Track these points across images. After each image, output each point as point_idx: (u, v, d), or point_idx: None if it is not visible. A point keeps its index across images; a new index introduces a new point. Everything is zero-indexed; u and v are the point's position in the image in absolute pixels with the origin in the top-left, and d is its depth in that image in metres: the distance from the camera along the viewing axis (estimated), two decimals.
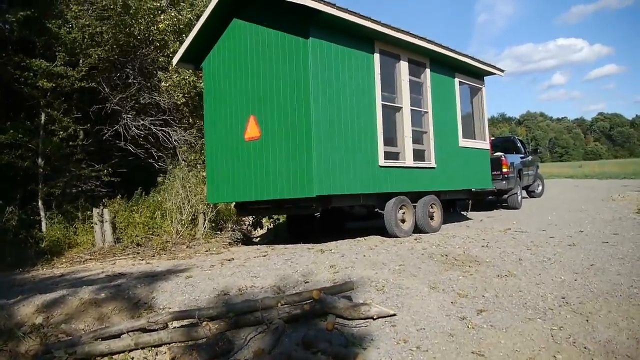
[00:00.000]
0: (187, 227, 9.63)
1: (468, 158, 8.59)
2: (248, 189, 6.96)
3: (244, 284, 4.49)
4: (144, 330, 3.40)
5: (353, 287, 3.82)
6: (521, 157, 12.24)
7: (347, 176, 6.43)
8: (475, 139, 8.98)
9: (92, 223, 8.84)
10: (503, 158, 10.60)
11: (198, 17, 9.32)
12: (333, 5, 5.99)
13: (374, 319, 3.50)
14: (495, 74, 9.03)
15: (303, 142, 6.16)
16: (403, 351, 3.05)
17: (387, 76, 7.24)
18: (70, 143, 10.33)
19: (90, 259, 7.64)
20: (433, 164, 7.74)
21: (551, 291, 3.97)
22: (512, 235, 6.55)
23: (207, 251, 7.76)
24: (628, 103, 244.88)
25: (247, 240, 9.07)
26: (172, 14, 11.25)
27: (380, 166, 6.84)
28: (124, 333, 3.36)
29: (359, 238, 7.14)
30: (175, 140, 11.91)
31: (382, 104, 6.98)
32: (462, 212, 10.43)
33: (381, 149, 6.88)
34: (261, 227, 10.41)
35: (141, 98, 11.89)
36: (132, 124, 11.57)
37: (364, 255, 5.41)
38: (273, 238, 9.29)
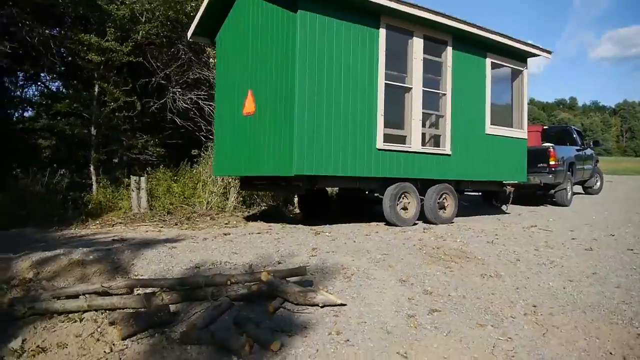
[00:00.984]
0: (218, 199, 10.00)
1: (497, 147, 7.86)
2: (245, 163, 7.01)
3: (220, 259, 4.55)
4: (98, 293, 3.58)
5: (306, 272, 3.72)
6: (577, 150, 11.10)
7: (337, 158, 6.18)
8: (509, 126, 8.21)
9: (132, 190, 9.42)
10: (551, 149, 9.65)
11: None
12: None
13: (321, 307, 3.40)
14: (539, 55, 8.13)
15: (287, 120, 6.05)
16: (329, 343, 2.94)
17: (395, 54, 6.79)
18: (118, 114, 11.01)
19: (120, 223, 8.17)
20: (448, 150, 7.23)
21: (527, 298, 3.61)
22: (532, 233, 6.04)
23: (226, 224, 7.98)
24: None
25: (274, 216, 9.11)
26: None
27: (379, 149, 6.49)
28: (80, 295, 3.57)
29: (368, 223, 6.96)
30: None
31: (385, 83, 6.57)
32: (501, 206, 9.75)
33: (380, 131, 6.51)
34: (292, 205, 10.51)
35: (191, 73, 12.36)
36: (180, 98, 12.08)
37: (354, 241, 5.26)
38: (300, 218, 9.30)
